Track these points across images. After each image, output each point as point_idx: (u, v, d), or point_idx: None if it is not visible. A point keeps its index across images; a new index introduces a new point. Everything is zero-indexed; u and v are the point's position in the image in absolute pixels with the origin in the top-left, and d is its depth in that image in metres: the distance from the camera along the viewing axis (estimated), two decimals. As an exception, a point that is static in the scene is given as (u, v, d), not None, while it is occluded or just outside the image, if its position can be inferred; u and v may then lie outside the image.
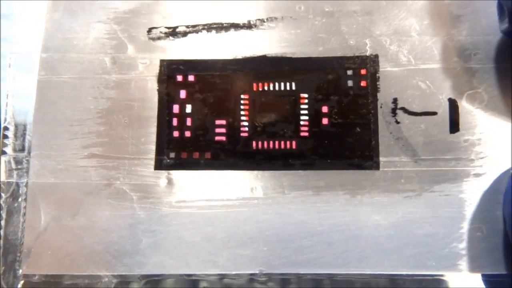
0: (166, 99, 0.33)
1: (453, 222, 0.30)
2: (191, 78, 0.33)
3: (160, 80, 0.33)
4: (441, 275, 0.30)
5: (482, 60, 0.32)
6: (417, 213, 0.30)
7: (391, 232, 0.30)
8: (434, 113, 0.31)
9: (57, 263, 0.31)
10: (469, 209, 0.30)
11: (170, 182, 0.32)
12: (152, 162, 0.32)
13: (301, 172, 0.31)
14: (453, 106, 0.31)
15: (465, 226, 0.30)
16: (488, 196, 0.30)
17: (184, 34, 0.34)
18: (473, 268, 0.30)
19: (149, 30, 0.34)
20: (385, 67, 0.32)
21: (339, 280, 0.30)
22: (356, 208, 0.31)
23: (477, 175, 0.31)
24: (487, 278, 0.30)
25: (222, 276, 0.30)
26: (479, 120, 0.31)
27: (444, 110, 0.31)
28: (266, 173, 0.32)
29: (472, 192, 0.31)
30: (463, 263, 0.30)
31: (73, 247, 0.31)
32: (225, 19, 0.34)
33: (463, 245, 0.30)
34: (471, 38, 0.32)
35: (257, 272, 0.30)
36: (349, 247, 0.30)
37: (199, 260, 0.31)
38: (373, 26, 0.33)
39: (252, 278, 0.30)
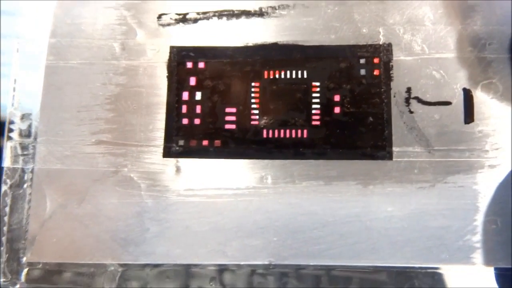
0: (175, 86, 0.32)
1: (467, 214, 0.30)
2: (201, 65, 0.33)
3: (169, 67, 0.33)
4: (454, 269, 0.29)
5: (496, 50, 0.31)
6: (431, 204, 0.30)
7: (404, 224, 0.30)
8: (448, 103, 0.31)
9: (62, 251, 0.30)
10: (484, 201, 0.30)
11: (178, 170, 0.31)
12: (161, 150, 0.32)
13: (312, 161, 0.31)
14: (468, 96, 0.31)
15: (480, 219, 0.30)
16: (503, 188, 0.30)
17: (195, 20, 0.33)
18: (487, 262, 0.29)
19: (159, 16, 0.33)
20: (398, 56, 0.32)
21: (349, 271, 0.29)
22: (368, 198, 0.30)
23: (492, 166, 0.30)
24: (500, 272, 0.29)
25: (228, 267, 0.29)
26: (494, 111, 0.31)
27: (458, 100, 0.31)
28: (277, 162, 0.31)
29: (486, 184, 0.30)
30: (477, 256, 0.29)
31: (78, 235, 0.31)
32: (237, 6, 0.33)
33: (477, 238, 0.29)
34: (485, 28, 0.32)
35: (267, 262, 0.30)
36: (360, 238, 0.30)
37: (207, 250, 0.30)
38: (386, 14, 0.32)
39: (252, 270, 0.30)
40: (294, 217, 0.30)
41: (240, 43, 0.33)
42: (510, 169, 0.30)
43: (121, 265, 0.30)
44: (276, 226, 0.30)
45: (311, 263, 0.30)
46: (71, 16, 0.34)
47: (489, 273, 0.29)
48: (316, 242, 0.30)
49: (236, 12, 0.33)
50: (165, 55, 0.33)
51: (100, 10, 0.34)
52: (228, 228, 0.30)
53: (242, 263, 0.30)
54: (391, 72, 0.32)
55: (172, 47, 0.33)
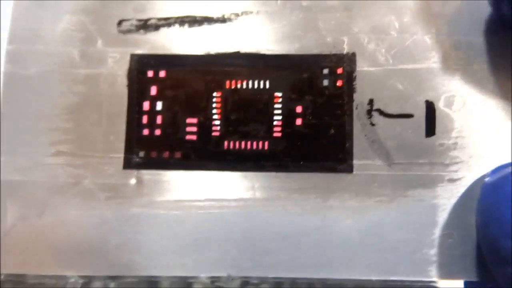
0: (136, 96, 0.32)
1: (425, 228, 0.30)
2: (162, 74, 0.32)
3: (130, 76, 0.32)
4: (411, 281, 0.30)
5: (462, 61, 0.31)
6: (389, 218, 0.30)
7: (362, 237, 0.30)
8: (410, 116, 0.31)
9: (22, 263, 0.31)
10: (442, 214, 0.30)
11: (139, 181, 0.31)
12: (121, 161, 0.32)
13: (273, 174, 0.31)
14: (430, 109, 0.31)
15: (437, 232, 0.30)
16: (462, 202, 0.30)
17: (156, 27, 0.33)
18: (443, 275, 0.30)
19: (119, 23, 0.33)
20: (362, 67, 0.31)
21: (315, 283, 0.30)
22: (327, 211, 0.31)
23: (451, 180, 0.30)
24: (457, 285, 0.30)
25: (188, 279, 0.30)
26: (456, 124, 0.31)
27: (420, 113, 0.31)
28: (238, 174, 0.31)
29: (445, 198, 0.30)
30: (434, 269, 0.30)
31: (39, 246, 0.31)
32: (199, 12, 0.33)
33: (434, 251, 0.30)
34: (451, 38, 0.31)
35: (225, 275, 0.30)
36: (318, 251, 0.30)
37: (166, 262, 0.31)
38: (352, 22, 0.32)
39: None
40: (253, 229, 0.31)
41: (202, 52, 0.32)
42: (469, 184, 0.30)
43: (82, 277, 0.31)
44: (235, 238, 0.31)
45: (270, 275, 0.30)
46: (30, 21, 0.33)
47: (445, 285, 0.30)
48: (275, 254, 0.30)
49: (198, 18, 0.33)
50: (125, 63, 0.33)
51: (59, 14, 0.33)
52: (188, 239, 0.31)
53: (201, 275, 0.30)
54: (354, 83, 0.31)
55: (132, 55, 0.33)
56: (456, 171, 0.31)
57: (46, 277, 0.31)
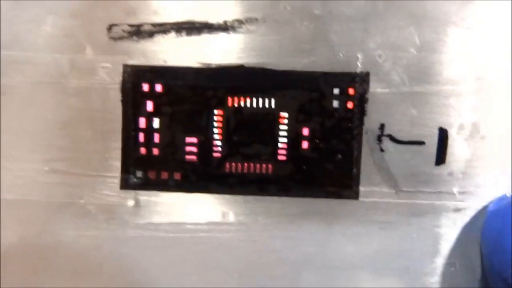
0: (131, 112, 0.30)
1: (427, 256, 0.31)
2: (158, 88, 0.30)
3: (123, 89, 0.30)
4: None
5: (481, 89, 0.29)
6: (392, 245, 0.30)
7: (364, 264, 0.31)
8: (422, 143, 0.30)
9: (21, 283, 0.31)
10: (445, 243, 0.30)
11: (137, 202, 0.31)
12: (118, 181, 0.30)
13: (276, 198, 0.31)
14: (443, 137, 0.29)
15: (439, 261, 0.30)
16: (465, 231, 0.30)
17: (150, 34, 0.30)
18: (442, 303, 0.30)
19: (110, 28, 0.30)
20: (375, 88, 0.29)
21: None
22: (331, 237, 0.31)
23: (457, 210, 0.30)
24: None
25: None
26: (467, 153, 0.30)
27: (432, 140, 0.30)
28: (239, 198, 0.31)
29: (449, 227, 0.30)
30: (433, 298, 0.30)
31: (38, 267, 0.31)
32: (198, 17, 0.30)
33: (435, 279, 0.30)
34: (478, 60, 0.29)
35: (227, 299, 0.30)
36: (321, 277, 0.31)
37: (167, 284, 0.31)
38: (367, 36, 0.29)
39: None
40: (255, 255, 0.31)
41: (201, 64, 0.30)
42: (474, 213, 0.30)
43: (81, 297, 0.31)
44: (237, 262, 0.31)
45: (271, 299, 0.31)
46: (11, 24, 0.30)
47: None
48: (277, 279, 0.31)
49: (197, 25, 0.30)
50: (118, 75, 0.30)
51: (43, 15, 0.30)
52: (188, 264, 0.31)
53: (202, 298, 0.31)
54: (365, 105, 0.30)
55: (125, 66, 0.30)
56: (462, 200, 0.30)
57: (45, 296, 0.31)
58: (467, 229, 0.30)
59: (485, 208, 0.30)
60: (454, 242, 0.30)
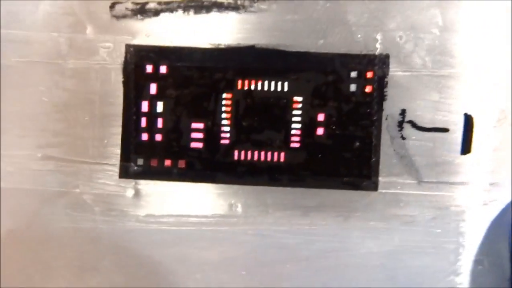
0: (133, 94, 0.28)
1: (453, 254, 0.28)
2: (163, 69, 0.28)
3: (125, 70, 0.28)
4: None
5: (507, 73, 0.27)
6: (414, 241, 0.28)
7: (384, 261, 0.28)
8: (446, 130, 0.28)
9: (10, 279, 0.28)
10: (471, 240, 0.28)
11: (137, 193, 0.29)
12: (117, 169, 0.28)
13: (288, 189, 0.28)
14: (469, 124, 0.27)
15: (465, 258, 0.28)
16: (494, 226, 0.28)
17: (156, 12, 0.28)
18: (469, 304, 0.28)
19: (112, 5, 0.28)
20: (395, 71, 0.28)
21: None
22: (348, 232, 0.28)
23: (484, 203, 0.28)
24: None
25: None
26: (495, 141, 0.28)
27: (457, 127, 0.28)
28: (248, 188, 0.29)
29: (476, 222, 0.28)
30: (459, 298, 0.28)
31: (27, 261, 0.29)
32: (207, -5, 0.28)
33: (461, 279, 0.28)
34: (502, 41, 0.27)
35: (233, 298, 0.28)
36: (336, 275, 0.28)
37: (168, 282, 0.28)
38: (387, 16, 0.28)
39: None
40: (265, 250, 0.29)
41: (210, 44, 0.28)
42: (502, 207, 0.28)
43: (75, 296, 0.28)
44: (244, 259, 0.29)
45: (282, 299, 0.28)
46: (5, 1, 0.28)
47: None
48: (288, 277, 0.29)
49: (205, 3, 0.28)
50: (120, 55, 0.28)
51: (40, -8, 0.28)
52: (192, 259, 0.29)
53: (207, 298, 0.28)
54: (385, 89, 0.28)
55: (128, 46, 0.28)
56: (489, 192, 0.28)
57: (36, 295, 0.29)
58: (496, 223, 0.28)
59: (513, 200, 0.28)
60: (481, 238, 0.28)
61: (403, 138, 0.28)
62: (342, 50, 0.28)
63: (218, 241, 0.28)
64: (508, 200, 0.28)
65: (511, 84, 0.27)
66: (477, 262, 0.28)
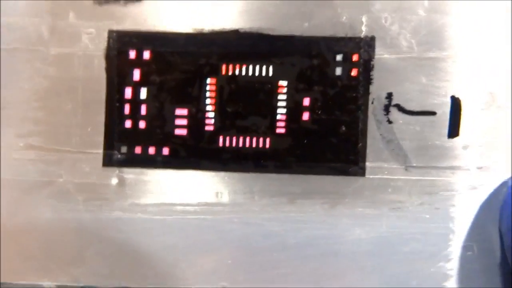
0: (116, 81, 0.28)
1: (442, 239, 0.28)
2: (146, 55, 0.28)
3: (108, 56, 0.28)
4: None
5: (497, 54, 0.27)
6: (403, 227, 0.28)
7: (373, 248, 0.28)
8: (433, 113, 0.27)
9: (-9, 270, 0.28)
10: (461, 225, 0.28)
11: (121, 181, 0.28)
12: (100, 157, 0.28)
13: (274, 175, 0.28)
14: (456, 106, 0.27)
15: (455, 244, 0.28)
16: (483, 211, 0.28)
17: (139, -3, 0.28)
18: (460, 290, 0.27)
19: (95, -9, 0.28)
20: (381, 54, 0.27)
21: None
22: (336, 219, 0.28)
23: (473, 187, 0.28)
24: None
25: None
26: (483, 124, 0.27)
27: (444, 110, 0.27)
28: (234, 175, 0.28)
29: (465, 206, 0.28)
30: (450, 285, 0.27)
31: (9, 252, 0.28)
32: (190, -20, 0.28)
33: (451, 264, 0.28)
34: (489, 23, 0.27)
35: (220, 287, 0.27)
36: (325, 263, 0.28)
37: (155, 272, 0.28)
38: (373, -3, 0.27)
39: None
40: (251, 238, 0.28)
41: (193, 29, 0.28)
42: (491, 191, 0.27)
43: (59, 287, 0.28)
44: (231, 247, 0.28)
45: (269, 288, 0.28)
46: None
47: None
48: (275, 266, 0.28)
49: (189, -13, 0.28)
50: (103, 42, 0.28)
51: (20, -23, 0.28)
52: (178, 248, 0.28)
53: (192, 287, 0.28)
54: (371, 73, 0.27)
55: (110, 31, 0.28)
56: (478, 176, 0.28)
57: (18, 286, 0.28)
58: (485, 208, 0.27)
59: (504, 184, 0.27)
60: (471, 223, 0.28)
61: (390, 122, 0.28)
62: (327, 33, 0.28)
63: (204, 229, 0.28)
64: (497, 184, 0.27)
65: (499, 66, 0.27)
66: (467, 247, 0.28)
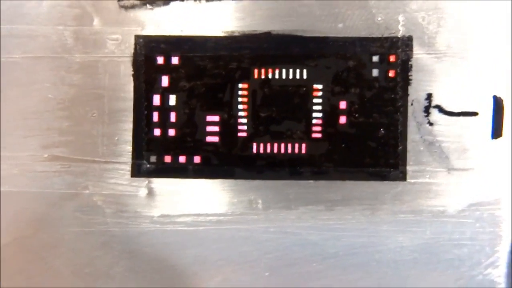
0: (144, 88, 0.27)
1: (489, 245, 0.27)
2: (175, 60, 0.27)
3: (135, 63, 0.27)
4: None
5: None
6: (447, 233, 0.27)
7: (416, 256, 0.27)
8: (475, 114, 0.27)
9: (17, 286, 0.27)
10: (508, 229, 0.27)
11: (151, 192, 0.27)
12: (128, 168, 0.27)
13: (311, 182, 0.27)
14: (498, 106, 0.27)
15: (503, 250, 0.27)
16: (532, 214, 0.27)
17: (165, 1, 0.27)
18: (508, 298, 0.27)
19: (120, -4, 0.27)
20: (419, 53, 0.27)
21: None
22: (376, 227, 0.27)
23: (521, 189, 0.27)
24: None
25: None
26: (529, 124, 0.26)
27: (486, 111, 0.27)
28: (269, 183, 0.27)
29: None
30: (498, 293, 0.26)
31: (34, 269, 0.27)
32: (219, -18, 0.27)
33: (499, 271, 0.27)
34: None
35: (257, 301, 0.27)
36: (366, 273, 0.27)
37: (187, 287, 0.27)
38: (408, -3, 0.27)
39: None
40: (289, 248, 0.27)
41: (223, 32, 0.27)
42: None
43: (87, 305, 0.27)
44: (267, 258, 0.27)
45: (309, 301, 0.27)
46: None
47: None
48: (315, 277, 0.27)
49: (218, -10, 0.27)
50: (129, 47, 0.27)
51: (44, -15, 0.27)
52: (212, 261, 0.27)
53: (228, 302, 0.27)
54: (409, 73, 0.27)
55: (137, 37, 0.27)
56: (525, 178, 0.27)
57: (45, 305, 0.27)
58: (533, 212, 0.27)
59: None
60: (518, 228, 0.27)
61: (431, 124, 0.27)
62: (363, 33, 0.27)
63: (238, 240, 0.27)
64: (545, 186, 0.27)
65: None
66: (515, 253, 0.27)
